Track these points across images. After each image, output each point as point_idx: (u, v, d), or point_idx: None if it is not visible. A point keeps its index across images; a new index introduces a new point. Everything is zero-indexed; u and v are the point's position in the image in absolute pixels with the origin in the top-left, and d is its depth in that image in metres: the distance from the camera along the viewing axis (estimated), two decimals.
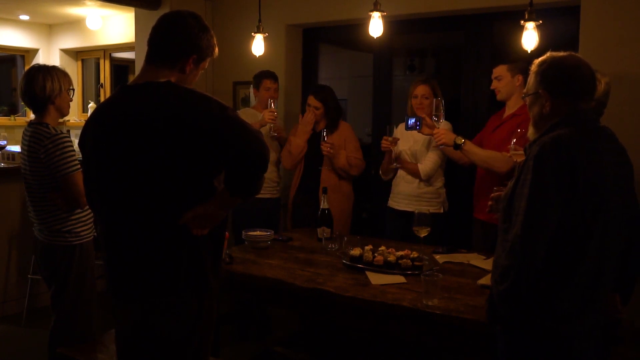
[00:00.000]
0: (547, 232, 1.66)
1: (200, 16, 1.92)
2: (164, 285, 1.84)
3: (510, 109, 3.23)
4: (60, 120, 5.99)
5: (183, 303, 1.85)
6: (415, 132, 3.55)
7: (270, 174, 4.00)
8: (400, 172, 3.58)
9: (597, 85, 2.39)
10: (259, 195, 3.92)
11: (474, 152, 3.12)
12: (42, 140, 2.66)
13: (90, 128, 1.94)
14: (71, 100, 2.88)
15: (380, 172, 3.66)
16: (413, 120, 3.20)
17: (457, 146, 3.11)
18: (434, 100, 3.17)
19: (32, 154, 2.69)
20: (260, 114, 4.00)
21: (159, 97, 1.80)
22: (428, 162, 3.48)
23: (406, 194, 3.53)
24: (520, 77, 3.13)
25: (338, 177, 3.81)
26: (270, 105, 3.77)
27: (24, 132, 2.80)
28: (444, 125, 3.48)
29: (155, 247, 1.83)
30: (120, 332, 1.96)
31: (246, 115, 4.02)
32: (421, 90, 3.53)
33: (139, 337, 1.88)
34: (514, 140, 2.66)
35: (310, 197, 3.83)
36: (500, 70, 3.19)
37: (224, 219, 1.94)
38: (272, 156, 4.00)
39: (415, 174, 3.50)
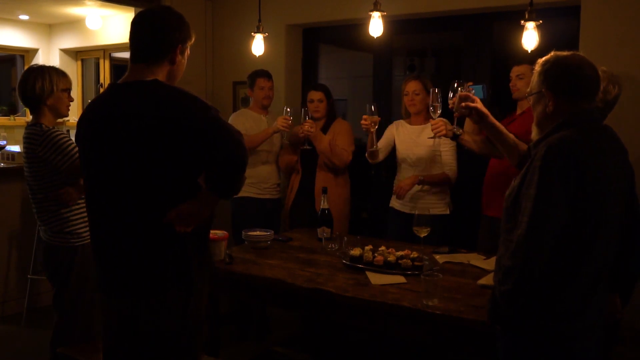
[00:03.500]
0: (552, 233, 1.66)
1: (170, 7, 2.00)
2: (149, 282, 1.87)
3: (521, 108, 3.26)
4: (60, 120, 5.99)
5: (168, 300, 1.88)
6: (415, 136, 3.52)
7: (271, 175, 4.00)
8: (405, 174, 3.55)
9: (612, 89, 2.39)
10: (260, 196, 3.97)
11: (474, 140, 3.13)
12: (36, 139, 2.68)
13: (81, 126, 1.98)
14: (72, 101, 2.87)
15: (366, 155, 3.56)
16: (481, 87, 3.07)
17: (455, 136, 3.08)
18: (431, 89, 3.11)
19: (29, 154, 2.71)
20: (256, 115, 3.99)
21: (146, 96, 1.84)
22: (452, 165, 3.48)
23: (412, 196, 3.49)
24: None
25: (335, 178, 3.81)
26: (286, 112, 3.67)
27: (23, 135, 2.81)
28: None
29: (139, 244, 1.86)
30: (106, 328, 1.99)
31: (243, 116, 4.00)
32: (412, 86, 3.50)
33: (124, 334, 1.91)
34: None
35: (307, 199, 3.83)
36: (523, 69, 3.18)
37: (209, 217, 1.98)
38: (271, 157, 4.00)
39: (446, 181, 3.46)
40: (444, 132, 3.01)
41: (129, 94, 1.87)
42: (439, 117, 2.94)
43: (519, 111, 3.29)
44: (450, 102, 2.37)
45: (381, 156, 3.61)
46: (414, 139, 3.53)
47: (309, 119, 3.60)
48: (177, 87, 1.90)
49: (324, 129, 3.85)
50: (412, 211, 3.45)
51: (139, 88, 1.86)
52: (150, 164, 1.81)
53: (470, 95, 2.19)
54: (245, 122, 3.93)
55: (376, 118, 3.29)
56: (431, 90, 2.75)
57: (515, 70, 3.24)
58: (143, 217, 1.85)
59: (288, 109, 3.68)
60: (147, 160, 1.81)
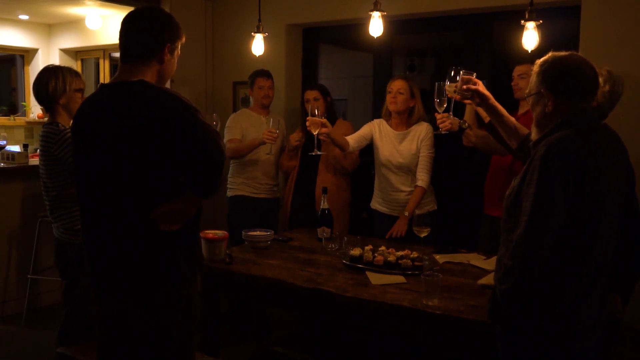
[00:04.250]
0: (552, 233, 1.66)
1: (160, 7, 1.99)
2: (137, 279, 1.90)
3: (523, 108, 3.25)
4: None
5: (157, 298, 1.90)
6: (397, 143, 3.41)
7: (266, 175, 3.98)
8: (390, 179, 3.48)
9: (619, 89, 2.39)
10: (255, 195, 3.95)
11: (479, 134, 3.08)
12: (52, 137, 2.74)
13: (75, 127, 2.03)
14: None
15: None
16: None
17: (462, 130, 3.03)
18: (436, 83, 2.83)
19: (45, 153, 2.78)
20: (255, 115, 3.98)
21: (135, 97, 1.88)
22: (425, 173, 3.37)
23: (400, 201, 3.44)
24: None
25: (336, 179, 3.80)
26: (270, 123, 3.58)
27: (40, 133, 2.88)
28: (426, 128, 3.39)
29: (130, 243, 1.90)
30: (100, 323, 2.03)
31: (242, 116, 3.99)
32: (397, 84, 3.41)
33: (116, 329, 1.95)
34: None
35: (306, 199, 3.82)
36: (526, 69, 3.15)
37: (196, 217, 2.00)
38: (270, 159, 3.96)
39: (423, 193, 3.37)
40: (449, 126, 2.89)
41: (119, 94, 1.91)
42: (444, 111, 2.80)
43: (520, 111, 3.28)
44: (447, 88, 2.36)
45: (355, 147, 3.52)
46: (396, 146, 3.45)
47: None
48: (162, 87, 1.94)
49: None
50: (395, 213, 3.40)
51: (127, 89, 1.90)
52: (133, 162, 1.85)
53: (473, 78, 2.20)
54: (243, 122, 3.92)
55: (318, 120, 3.16)
56: (436, 84, 2.67)
57: (518, 70, 3.22)
58: (135, 216, 1.88)
59: (278, 120, 3.56)
60: (143, 160, 1.85)
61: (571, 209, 1.66)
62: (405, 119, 3.49)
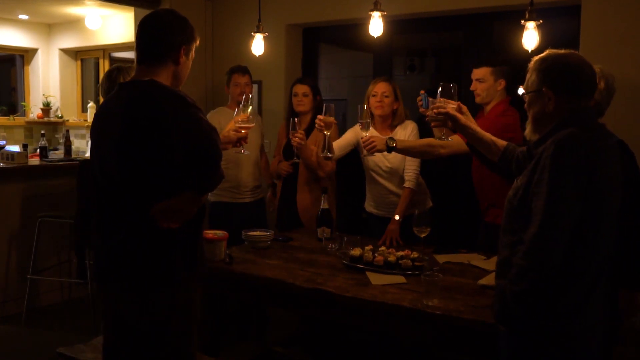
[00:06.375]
0: (567, 230, 1.65)
1: (175, 10, 2.07)
2: (134, 277, 1.92)
3: (486, 112, 3.18)
4: (60, 120, 5.99)
5: (152, 296, 1.92)
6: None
7: (250, 177, 3.93)
8: (382, 183, 3.42)
9: (613, 86, 2.40)
10: (240, 201, 3.87)
11: (411, 146, 3.01)
12: None
13: (92, 126, 2.09)
14: None
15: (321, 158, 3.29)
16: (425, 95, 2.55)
17: (390, 148, 2.93)
18: (359, 106, 2.89)
19: None
20: (232, 112, 3.80)
21: (137, 96, 1.91)
22: (411, 175, 3.28)
23: (395, 203, 3.33)
24: (503, 82, 3.07)
25: (316, 185, 3.69)
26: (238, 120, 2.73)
27: None
28: (410, 125, 3.35)
29: (127, 241, 1.92)
30: (104, 319, 2.06)
31: (218, 114, 3.92)
32: (382, 87, 3.33)
33: (117, 326, 1.98)
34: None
35: (289, 204, 3.76)
36: (483, 73, 3.09)
37: (199, 216, 2.01)
38: (250, 160, 3.91)
39: (413, 195, 3.28)
40: (378, 147, 2.92)
41: (128, 94, 1.95)
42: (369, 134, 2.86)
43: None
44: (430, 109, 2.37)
45: (339, 155, 3.41)
46: (385, 154, 3.26)
47: (299, 129, 3.49)
48: (169, 87, 1.96)
49: (310, 128, 3.66)
50: (391, 215, 3.31)
51: (136, 88, 1.94)
52: (147, 163, 1.87)
53: (441, 104, 2.24)
54: (220, 119, 3.74)
55: (330, 119, 3.05)
56: (359, 107, 2.67)
57: (476, 74, 3.13)
58: (137, 215, 1.90)
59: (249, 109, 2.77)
60: (143, 160, 1.87)
61: (582, 205, 1.66)
62: (390, 123, 3.40)
